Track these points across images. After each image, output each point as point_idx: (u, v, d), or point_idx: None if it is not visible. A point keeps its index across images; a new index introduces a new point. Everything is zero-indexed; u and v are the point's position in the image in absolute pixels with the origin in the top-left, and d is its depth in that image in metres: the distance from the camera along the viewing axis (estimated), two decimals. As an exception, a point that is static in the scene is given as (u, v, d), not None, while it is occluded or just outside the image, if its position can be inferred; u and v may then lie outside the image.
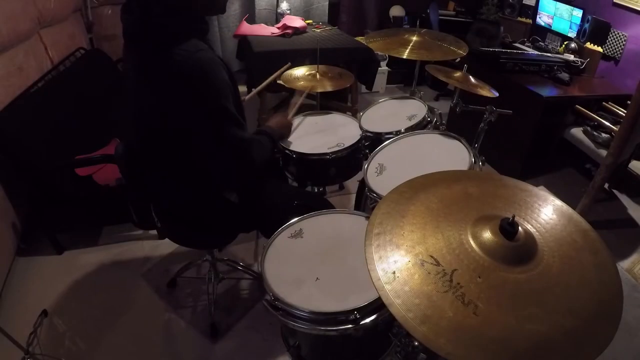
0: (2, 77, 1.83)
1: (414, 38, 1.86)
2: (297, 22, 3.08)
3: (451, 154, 1.35)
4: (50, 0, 2.31)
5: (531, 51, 3.06)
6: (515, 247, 0.69)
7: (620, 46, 2.69)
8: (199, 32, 1.09)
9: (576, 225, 0.78)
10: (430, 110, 1.66)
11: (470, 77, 1.58)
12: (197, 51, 1.03)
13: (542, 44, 3.24)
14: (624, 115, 1.99)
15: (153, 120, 1.14)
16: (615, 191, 2.61)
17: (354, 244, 1.12)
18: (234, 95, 1.15)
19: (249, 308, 1.76)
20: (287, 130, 1.56)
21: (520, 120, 2.25)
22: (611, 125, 2.30)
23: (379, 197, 1.23)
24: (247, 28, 3.05)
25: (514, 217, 0.70)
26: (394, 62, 3.93)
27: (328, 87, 1.78)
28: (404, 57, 1.77)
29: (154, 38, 1.03)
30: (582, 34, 2.87)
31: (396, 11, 4.07)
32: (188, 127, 1.10)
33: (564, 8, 3.04)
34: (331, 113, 1.83)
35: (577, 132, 2.51)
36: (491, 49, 2.94)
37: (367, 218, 1.11)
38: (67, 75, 2.28)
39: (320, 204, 1.38)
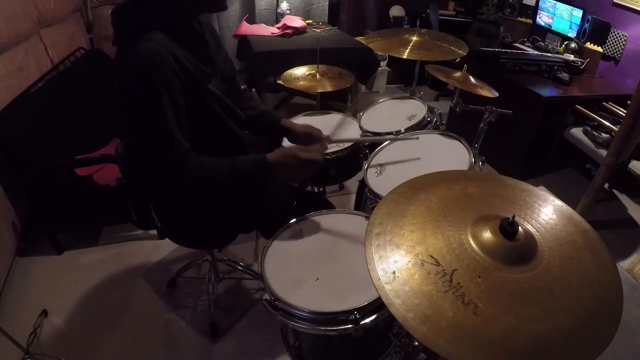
0: (2, 77, 1.83)
1: (414, 38, 1.86)
2: (297, 22, 3.08)
3: (451, 154, 1.35)
4: (50, 0, 2.31)
5: (531, 51, 3.06)
6: (515, 247, 0.69)
7: (620, 46, 2.69)
8: (178, 22, 1.03)
9: (576, 225, 0.78)
10: (430, 110, 1.66)
11: (470, 77, 1.58)
12: (146, 42, 0.95)
13: (542, 44, 3.24)
14: (624, 115, 1.98)
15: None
16: (615, 191, 2.61)
17: (354, 244, 1.11)
18: (193, 92, 1.04)
19: (249, 308, 1.76)
20: (294, 165, 1.14)
21: (520, 120, 2.25)
22: (611, 125, 2.30)
23: (379, 197, 1.23)
24: (247, 28, 3.05)
25: (514, 217, 0.70)
26: (394, 62, 3.93)
27: (328, 87, 1.78)
28: (404, 57, 1.77)
29: (124, 31, 1.01)
30: (582, 34, 2.87)
31: (396, 11, 4.07)
32: (131, 126, 1.03)
33: (564, 8, 3.04)
34: (331, 113, 1.83)
35: (577, 132, 2.51)
36: (491, 49, 2.94)
37: (367, 218, 1.11)
38: (67, 76, 2.28)
39: (320, 204, 1.38)
